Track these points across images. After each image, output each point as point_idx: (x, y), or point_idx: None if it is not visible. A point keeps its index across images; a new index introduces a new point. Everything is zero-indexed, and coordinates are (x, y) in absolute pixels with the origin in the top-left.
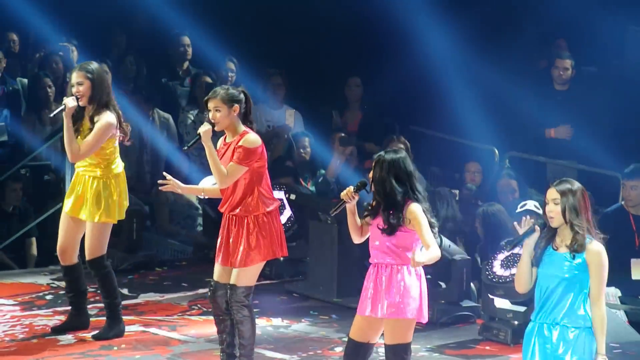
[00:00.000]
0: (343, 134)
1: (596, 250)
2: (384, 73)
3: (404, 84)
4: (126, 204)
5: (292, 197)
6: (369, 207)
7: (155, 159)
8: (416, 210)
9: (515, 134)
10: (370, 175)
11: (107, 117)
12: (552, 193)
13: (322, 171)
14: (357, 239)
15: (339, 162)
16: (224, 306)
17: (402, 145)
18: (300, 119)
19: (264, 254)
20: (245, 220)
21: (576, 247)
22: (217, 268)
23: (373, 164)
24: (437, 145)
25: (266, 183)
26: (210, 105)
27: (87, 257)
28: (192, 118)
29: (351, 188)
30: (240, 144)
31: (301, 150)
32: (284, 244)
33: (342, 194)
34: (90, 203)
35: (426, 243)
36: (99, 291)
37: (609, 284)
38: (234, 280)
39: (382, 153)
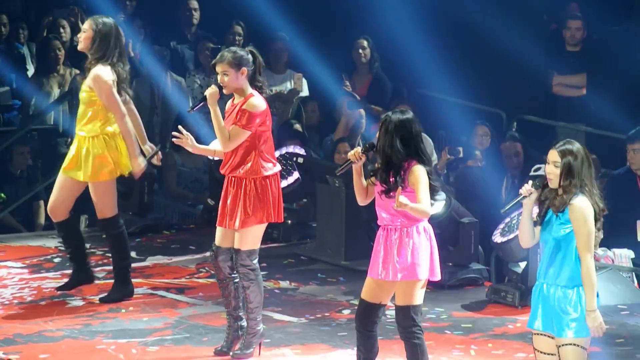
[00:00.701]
0: (351, 98)
1: (577, 205)
2: (392, 35)
3: (412, 46)
4: (125, 161)
5: (300, 160)
6: (376, 168)
7: (165, 120)
8: (418, 170)
9: (524, 96)
10: (377, 135)
11: (98, 70)
12: (553, 155)
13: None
14: (361, 201)
15: (347, 124)
16: (227, 270)
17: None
18: (305, 83)
19: (259, 217)
20: (244, 182)
21: (557, 205)
22: (219, 231)
23: (380, 124)
24: (444, 109)
25: (268, 147)
26: (218, 69)
27: (98, 217)
28: (199, 82)
29: (359, 149)
30: (244, 107)
31: (310, 114)
32: (280, 209)
33: (349, 154)
34: (84, 163)
35: (418, 200)
36: (108, 253)
37: (619, 246)
38: (237, 245)
39: (389, 113)
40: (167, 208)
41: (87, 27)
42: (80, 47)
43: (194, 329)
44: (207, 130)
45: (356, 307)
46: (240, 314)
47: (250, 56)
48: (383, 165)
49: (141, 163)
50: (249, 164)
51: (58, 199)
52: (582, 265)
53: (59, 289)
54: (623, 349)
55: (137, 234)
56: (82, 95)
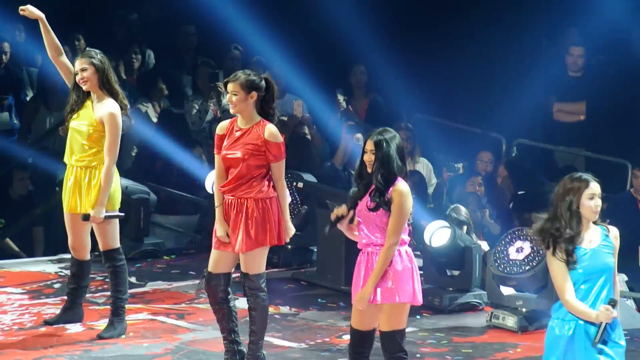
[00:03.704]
0: (351, 122)
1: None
2: (391, 60)
3: (410, 71)
4: (118, 196)
5: (300, 185)
6: (351, 198)
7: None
8: (403, 190)
9: (524, 121)
10: (367, 158)
11: (113, 108)
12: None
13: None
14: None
15: (346, 149)
16: (220, 295)
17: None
18: (306, 109)
19: (261, 240)
20: (245, 204)
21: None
22: (213, 256)
23: (371, 148)
24: (443, 133)
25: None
26: (229, 87)
27: (101, 249)
28: (197, 107)
29: (343, 206)
30: (268, 139)
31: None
32: (281, 233)
33: (337, 211)
34: (85, 195)
35: (390, 230)
36: (107, 279)
37: (619, 271)
38: (244, 269)
39: (378, 136)
40: (166, 233)
41: (85, 65)
42: (86, 87)
43: (194, 355)
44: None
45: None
46: (236, 338)
47: (263, 83)
48: (379, 184)
49: (102, 213)
50: (254, 185)
51: (74, 238)
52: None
53: (46, 322)
54: None
55: (136, 259)
56: (86, 129)
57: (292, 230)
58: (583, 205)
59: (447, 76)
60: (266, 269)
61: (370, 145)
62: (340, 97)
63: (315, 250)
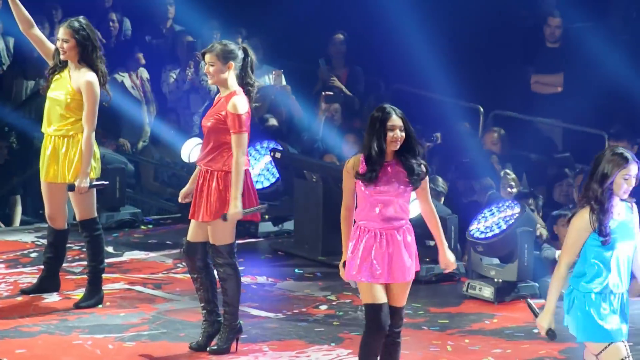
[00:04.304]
0: (329, 92)
1: None
2: (369, 30)
3: (389, 41)
4: (98, 165)
5: (277, 155)
6: (372, 172)
7: None
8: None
9: (502, 92)
10: (395, 136)
11: (90, 77)
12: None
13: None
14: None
15: (323, 119)
16: (198, 264)
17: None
18: (284, 79)
19: (221, 212)
20: (210, 175)
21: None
22: (191, 225)
23: (400, 125)
24: (421, 104)
25: None
26: (206, 58)
27: (77, 219)
28: (175, 77)
29: None
30: (231, 111)
31: (284, 109)
32: (252, 204)
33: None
34: (62, 164)
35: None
36: (84, 249)
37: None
38: (212, 240)
39: (399, 112)
40: (144, 203)
41: (67, 36)
42: (64, 57)
43: (171, 325)
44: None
45: (370, 315)
46: (215, 308)
47: (241, 52)
48: (418, 162)
49: (87, 183)
50: (223, 157)
51: (51, 208)
52: None
53: (22, 291)
54: None
55: (113, 229)
56: (64, 98)
57: (235, 208)
58: (616, 182)
59: (425, 47)
60: (243, 239)
61: (399, 122)
62: (322, 65)
63: (293, 220)
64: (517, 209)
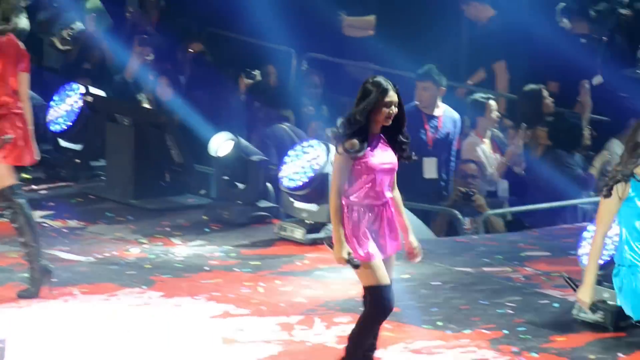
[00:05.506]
0: (144, 35)
1: None
2: None
3: None
4: None
5: (89, 99)
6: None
7: None
8: None
9: (314, 35)
10: (390, 111)
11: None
12: None
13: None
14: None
15: (137, 63)
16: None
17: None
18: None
19: None
20: None
21: None
22: None
23: (396, 100)
24: (234, 48)
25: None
26: None
27: None
28: None
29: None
30: None
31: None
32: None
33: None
34: None
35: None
36: None
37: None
38: None
39: (394, 87)
40: None
41: None
42: None
43: None
44: None
45: (376, 297)
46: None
47: None
48: (406, 139)
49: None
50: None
51: None
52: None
53: None
54: None
55: None
56: None
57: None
58: None
59: None
60: (53, 183)
61: (395, 98)
62: (134, 10)
63: (104, 164)
64: (321, 150)
